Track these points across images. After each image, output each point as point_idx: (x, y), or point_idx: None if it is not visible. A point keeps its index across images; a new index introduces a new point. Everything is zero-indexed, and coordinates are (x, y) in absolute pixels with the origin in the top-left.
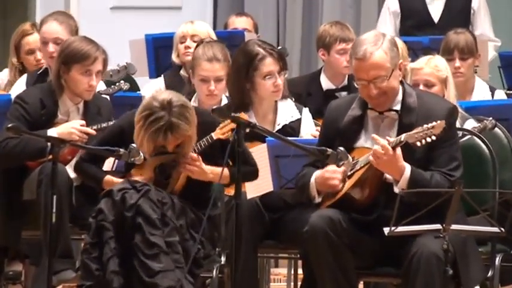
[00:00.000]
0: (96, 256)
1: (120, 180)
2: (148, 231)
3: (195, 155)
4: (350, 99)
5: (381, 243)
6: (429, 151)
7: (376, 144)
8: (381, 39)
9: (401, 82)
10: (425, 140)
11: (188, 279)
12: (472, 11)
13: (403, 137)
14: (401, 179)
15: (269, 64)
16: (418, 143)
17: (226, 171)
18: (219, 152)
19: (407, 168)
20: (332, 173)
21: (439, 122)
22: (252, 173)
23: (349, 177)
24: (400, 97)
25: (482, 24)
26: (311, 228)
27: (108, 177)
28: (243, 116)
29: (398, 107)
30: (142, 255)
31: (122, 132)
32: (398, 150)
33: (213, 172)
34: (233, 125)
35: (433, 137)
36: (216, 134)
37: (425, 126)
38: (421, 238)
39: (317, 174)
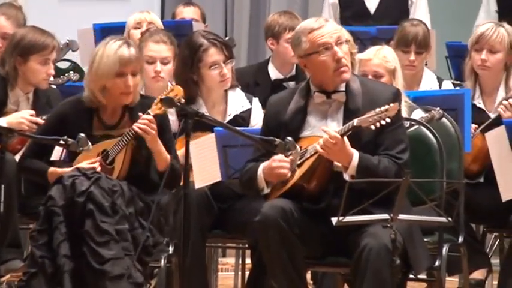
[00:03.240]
0: (43, 243)
1: (65, 170)
2: (100, 219)
3: (151, 117)
4: (290, 93)
5: (329, 232)
6: (376, 135)
7: (325, 135)
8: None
9: None
10: (380, 122)
11: (137, 267)
12: (409, 2)
13: (355, 121)
14: (350, 165)
15: (213, 54)
16: (372, 126)
17: (167, 155)
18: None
19: (355, 154)
20: (279, 161)
21: (392, 104)
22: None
23: (299, 166)
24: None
25: (421, 15)
26: (263, 218)
27: (51, 169)
28: (179, 90)
29: (342, 87)
30: (92, 242)
31: (63, 119)
32: (346, 138)
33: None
34: (171, 95)
35: (388, 119)
36: (153, 110)
37: (377, 109)
38: (370, 228)
39: (264, 165)
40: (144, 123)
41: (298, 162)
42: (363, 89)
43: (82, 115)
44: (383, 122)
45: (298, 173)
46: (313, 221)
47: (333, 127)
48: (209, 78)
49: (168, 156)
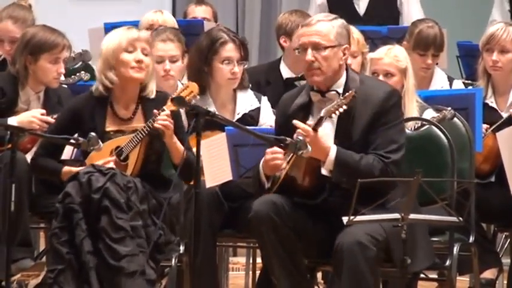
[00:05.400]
0: (65, 240)
1: (79, 169)
2: (115, 215)
3: (168, 112)
4: (299, 89)
5: (325, 229)
6: (367, 134)
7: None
8: (333, 17)
9: (346, 68)
10: (338, 110)
11: (150, 265)
12: (398, 1)
13: (322, 112)
14: (326, 159)
15: (229, 50)
16: (333, 115)
17: (181, 147)
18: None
19: (333, 149)
20: (272, 153)
21: (350, 91)
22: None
23: (289, 162)
24: (343, 81)
25: (412, 13)
26: (255, 214)
27: (66, 168)
28: (194, 86)
29: (340, 90)
30: (108, 239)
31: (76, 114)
32: (321, 132)
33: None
34: (185, 93)
35: (344, 107)
36: (168, 107)
37: (339, 98)
38: (350, 226)
39: (263, 159)
40: (164, 119)
41: (288, 158)
42: (361, 87)
43: (95, 109)
44: (341, 110)
45: (287, 165)
46: (306, 216)
47: (328, 126)
48: (219, 73)
49: (183, 149)
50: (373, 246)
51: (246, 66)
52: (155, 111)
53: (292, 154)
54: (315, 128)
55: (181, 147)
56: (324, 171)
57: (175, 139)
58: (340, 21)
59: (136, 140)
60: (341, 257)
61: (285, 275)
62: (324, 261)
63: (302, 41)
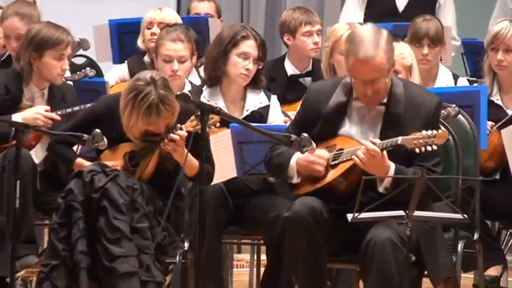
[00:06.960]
0: (63, 236)
1: (89, 164)
2: (113, 215)
3: (184, 133)
4: (332, 84)
5: (352, 230)
6: None
7: (364, 146)
8: (380, 37)
9: None
10: (426, 148)
11: (156, 266)
12: (437, 4)
13: (399, 140)
14: (385, 178)
15: (249, 45)
16: (417, 150)
17: (196, 162)
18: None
19: (392, 167)
20: (318, 157)
21: (440, 131)
22: (210, 175)
23: (333, 167)
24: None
25: (446, 18)
26: (294, 214)
27: (79, 160)
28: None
29: (385, 100)
30: (104, 239)
31: (99, 118)
32: (384, 151)
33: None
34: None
35: (435, 147)
36: (186, 127)
37: (424, 132)
38: (379, 224)
39: (299, 155)
40: (171, 139)
41: (333, 163)
42: (406, 93)
43: (117, 119)
44: (429, 148)
45: (332, 174)
46: (338, 220)
47: (369, 136)
48: (232, 66)
49: (196, 163)
50: (403, 247)
51: (261, 67)
52: (178, 125)
53: (336, 162)
54: (383, 150)
55: (193, 161)
56: (380, 189)
57: (189, 157)
58: (386, 36)
59: (149, 150)
60: (372, 252)
61: (307, 277)
62: (335, 259)
63: (358, 76)
